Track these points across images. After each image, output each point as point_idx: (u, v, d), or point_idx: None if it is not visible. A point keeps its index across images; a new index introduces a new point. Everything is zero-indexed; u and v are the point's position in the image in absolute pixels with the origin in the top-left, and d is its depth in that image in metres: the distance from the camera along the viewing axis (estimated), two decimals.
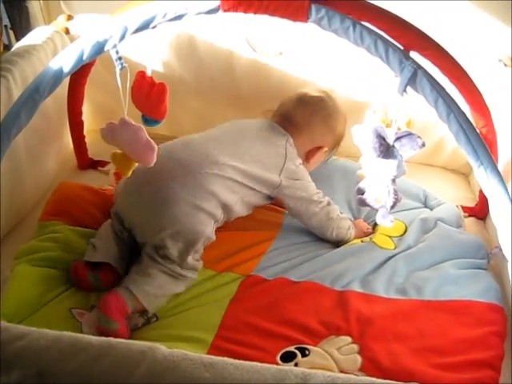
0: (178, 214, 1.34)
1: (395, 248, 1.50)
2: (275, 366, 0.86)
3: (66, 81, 1.54)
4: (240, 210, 1.48)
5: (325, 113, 1.58)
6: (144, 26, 1.10)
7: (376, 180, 1.23)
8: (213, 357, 0.87)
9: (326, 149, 1.59)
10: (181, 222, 1.34)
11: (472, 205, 1.69)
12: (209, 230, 1.38)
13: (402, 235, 1.54)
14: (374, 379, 0.86)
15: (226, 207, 1.42)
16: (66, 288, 1.33)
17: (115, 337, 1.21)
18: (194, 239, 1.35)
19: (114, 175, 1.72)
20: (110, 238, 1.39)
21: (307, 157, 1.57)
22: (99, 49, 1.11)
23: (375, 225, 1.59)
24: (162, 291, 1.31)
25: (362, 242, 1.53)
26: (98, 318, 1.25)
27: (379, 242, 1.52)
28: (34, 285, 1.30)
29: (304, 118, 1.56)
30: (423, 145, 1.12)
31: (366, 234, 1.57)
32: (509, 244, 1.06)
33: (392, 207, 1.23)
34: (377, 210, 1.28)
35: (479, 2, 1.67)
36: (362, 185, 1.28)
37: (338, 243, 1.54)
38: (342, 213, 1.57)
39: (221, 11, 1.09)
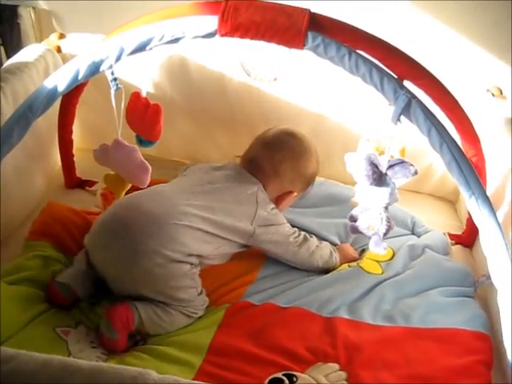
0: (151, 266, 1.29)
1: (382, 273, 1.50)
2: None
3: (58, 99, 1.54)
4: (216, 259, 1.46)
5: (293, 160, 1.54)
6: (140, 48, 1.11)
7: (369, 207, 1.24)
8: (203, 383, 0.86)
9: (295, 194, 1.57)
10: (155, 273, 1.30)
11: (459, 232, 1.70)
12: (187, 275, 1.36)
13: (389, 260, 1.54)
14: None
15: (199, 257, 1.39)
16: (48, 307, 1.31)
17: (111, 345, 1.24)
18: (171, 290, 1.33)
19: (101, 196, 1.69)
20: (83, 265, 1.38)
21: (277, 202, 1.54)
22: (95, 69, 1.12)
23: (363, 251, 1.60)
24: (172, 327, 1.32)
25: (349, 266, 1.53)
26: (102, 321, 1.26)
27: (366, 267, 1.52)
28: (14, 304, 1.27)
29: (271, 164, 1.53)
30: (416, 172, 1.14)
31: (353, 259, 1.57)
32: (498, 273, 1.07)
33: (385, 234, 1.24)
34: (369, 238, 1.28)
35: (468, 33, 1.70)
36: (354, 212, 1.29)
37: (326, 271, 1.53)
38: (320, 242, 1.56)
39: (218, 36, 1.10)
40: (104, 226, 1.33)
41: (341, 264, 1.55)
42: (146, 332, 1.29)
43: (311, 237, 1.56)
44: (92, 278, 1.37)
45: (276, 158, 1.53)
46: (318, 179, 1.70)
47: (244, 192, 1.48)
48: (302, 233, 1.54)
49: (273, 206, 1.52)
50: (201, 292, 1.38)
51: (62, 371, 0.85)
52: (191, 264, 1.36)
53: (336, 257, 1.54)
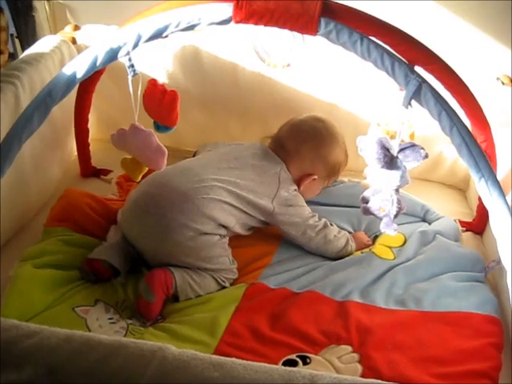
0: (183, 240, 1.37)
1: (394, 258, 1.52)
2: (283, 367, 0.87)
3: (74, 88, 1.56)
4: (238, 230, 1.50)
5: (316, 141, 1.59)
6: (157, 35, 1.13)
7: (380, 190, 1.26)
8: (222, 357, 0.87)
9: (315, 177, 1.60)
10: (187, 246, 1.37)
11: (469, 220, 1.72)
12: (217, 245, 1.42)
13: (401, 246, 1.56)
14: (379, 381, 0.87)
15: (227, 228, 1.45)
16: (69, 289, 1.34)
17: (147, 309, 1.29)
18: (204, 260, 1.39)
19: (117, 184, 1.73)
20: (117, 239, 1.44)
21: (298, 184, 1.58)
22: (113, 56, 1.14)
23: (375, 237, 1.62)
24: (201, 290, 1.38)
25: (361, 252, 1.55)
26: (141, 284, 1.32)
27: (379, 252, 1.54)
28: (36, 287, 1.30)
29: (294, 145, 1.58)
30: (426, 156, 1.14)
31: (367, 246, 1.59)
32: (508, 256, 1.08)
33: (395, 216, 1.25)
34: (380, 219, 1.30)
35: (478, 21, 1.71)
36: (366, 194, 1.30)
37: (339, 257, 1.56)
38: (339, 232, 1.57)
39: (233, 22, 1.12)
40: (136, 204, 1.40)
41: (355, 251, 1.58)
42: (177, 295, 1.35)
43: (331, 225, 1.58)
44: (126, 252, 1.42)
45: (299, 137, 1.59)
46: None
47: (267, 171, 1.53)
48: (323, 219, 1.57)
49: (295, 187, 1.56)
50: (232, 262, 1.44)
51: (83, 345, 0.87)
52: (220, 235, 1.42)
53: (352, 245, 1.56)
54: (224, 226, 1.44)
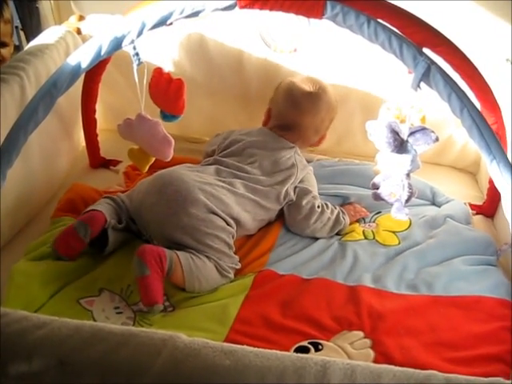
0: (194, 212, 1.37)
1: (399, 243, 1.51)
2: (295, 353, 0.86)
3: (80, 79, 1.56)
4: (251, 227, 1.52)
5: (324, 111, 1.64)
6: (161, 22, 1.12)
7: (390, 175, 1.25)
8: (233, 345, 0.87)
9: (325, 137, 1.71)
10: (198, 218, 1.37)
11: (480, 203, 1.70)
12: (225, 230, 1.42)
13: (406, 229, 1.55)
14: (392, 367, 0.86)
15: (237, 223, 1.46)
16: (70, 279, 1.33)
17: (146, 286, 1.25)
18: (209, 237, 1.38)
19: (124, 174, 1.73)
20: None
21: (318, 143, 1.70)
22: (117, 44, 1.13)
23: (377, 213, 1.63)
24: (207, 282, 1.35)
25: (365, 237, 1.55)
26: (134, 260, 1.28)
27: (382, 239, 1.53)
28: (33, 280, 1.29)
29: (306, 122, 1.63)
30: (437, 139, 1.13)
31: (361, 216, 1.62)
32: None
33: (407, 201, 1.24)
34: (391, 205, 1.29)
35: (488, 2, 1.69)
36: (376, 179, 1.29)
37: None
38: (332, 212, 1.57)
39: (237, 8, 1.11)
40: (160, 175, 1.42)
41: (351, 223, 1.59)
42: (183, 284, 1.32)
43: (326, 206, 1.58)
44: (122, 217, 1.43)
45: (309, 114, 1.63)
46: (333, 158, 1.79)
47: (282, 157, 1.57)
48: (322, 202, 1.57)
49: (310, 168, 1.61)
50: (235, 252, 1.43)
51: (93, 335, 0.87)
52: (228, 224, 1.42)
53: (345, 218, 1.57)
54: (235, 219, 1.44)
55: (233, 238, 1.44)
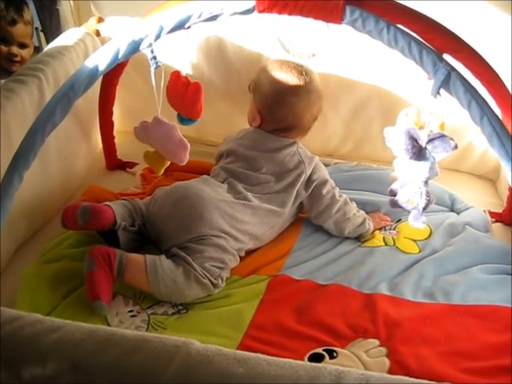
0: (206, 230, 1.38)
1: (420, 252, 1.50)
2: (309, 363, 0.86)
3: (98, 81, 1.56)
4: (270, 237, 1.52)
5: (316, 98, 1.59)
6: (179, 26, 1.12)
7: (408, 182, 1.23)
8: (246, 353, 0.87)
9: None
10: (211, 226, 1.38)
11: (499, 211, 1.68)
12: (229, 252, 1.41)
13: (426, 238, 1.54)
14: (407, 378, 0.85)
15: (253, 237, 1.46)
16: (83, 282, 1.31)
17: (88, 278, 1.26)
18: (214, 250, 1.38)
19: (141, 176, 1.73)
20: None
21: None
22: (135, 48, 1.13)
23: (398, 221, 1.61)
24: (175, 285, 1.31)
25: (385, 243, 1.53)
26: (85, 260, 1.29)
27: (403, 246, 1.52)
28: (44, 283, 1.30)
29: (306, 118, 1.59)
30: (456, 147, 1.12)
31: (385, 225, 1.60)
32: None
33: (424, 209, 1.23)
34: (409, 212, 1.28)
35: (509, 7, 1.67)
36: (394, 186, 1.28)
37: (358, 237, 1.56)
38: (358, 210, 1.57)
39: (256, 12, 1.10)
40: (176, 188, 1.42)
41: (374, 231, 1.57)
42: (147, 286, 1.31)
43: (352, 202, 1.57)
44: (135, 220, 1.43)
45: (314, 108, 1.60)
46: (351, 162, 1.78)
47: (286, 157, 1.55)
48: (344, 195, 1.56)
49: (316, 158, 1.58)
50: (223, 268, 1.39)
51: (106, 340, 0.87)
52: (239, 241, 1.43)
53: (370, 224, 1.56)
54: (252, 235, 1.46)
55: (239, 251, 1.44)
